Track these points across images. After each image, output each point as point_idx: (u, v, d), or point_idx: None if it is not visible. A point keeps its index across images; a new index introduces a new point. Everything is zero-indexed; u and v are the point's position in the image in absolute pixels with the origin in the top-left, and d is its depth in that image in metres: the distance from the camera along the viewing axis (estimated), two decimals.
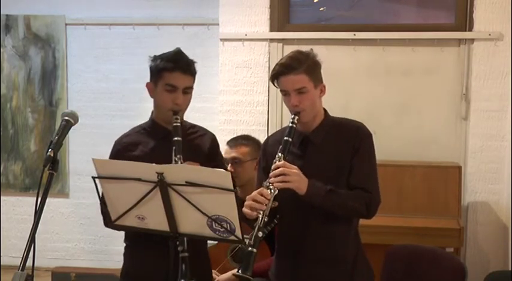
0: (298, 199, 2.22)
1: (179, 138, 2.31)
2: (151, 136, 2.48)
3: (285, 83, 2.27)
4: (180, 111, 2.42)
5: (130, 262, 2.54)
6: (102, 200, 2.08)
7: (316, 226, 2.29)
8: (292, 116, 2.27)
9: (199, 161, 2.30)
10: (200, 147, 2.52)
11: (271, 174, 2.17)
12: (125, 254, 2.56)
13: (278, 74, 2.27)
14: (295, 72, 2.24)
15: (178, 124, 2.35)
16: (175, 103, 2.39)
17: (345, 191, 2.23)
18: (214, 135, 2.64)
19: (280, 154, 2.22)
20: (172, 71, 2.38)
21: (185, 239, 2.17)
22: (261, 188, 2.17)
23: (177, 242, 2.17)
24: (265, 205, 2.12)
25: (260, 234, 2.09)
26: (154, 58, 2.44)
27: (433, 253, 3.01)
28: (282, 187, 2.14)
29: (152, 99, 2.51)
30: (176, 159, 2.27)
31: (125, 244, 2.56)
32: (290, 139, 2.25)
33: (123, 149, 2.46)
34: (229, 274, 2.96)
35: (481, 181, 4.28)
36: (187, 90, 2.42)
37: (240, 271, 2.06)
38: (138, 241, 2.42)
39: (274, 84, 2.32)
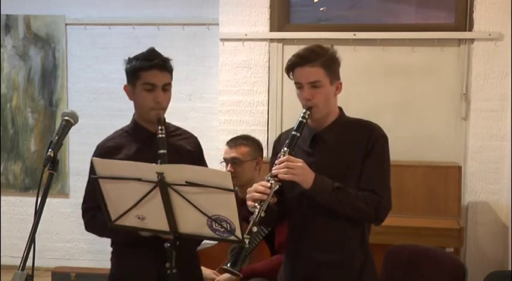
0: (304, 200, 2.19)
1: (164, 151, 2.27)
2: (134, 139, 2.46)
3: (300, 75, 2.20)
4: (162, 110, 2.39)
5: (117, 265, 2.53)
6: (102, 201, 2.07)
7: (321, 229, 2.23)
8: (304, 111, 2.20)
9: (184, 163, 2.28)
10: (185, 150, 2.48)
11: (274, 168, 2.12)
12: (111, 259, 2.55)
13: (294, 65, 2.20)
14: (311, 64, 2.17)
15: (163, 136, 2.31)
16: (157, 101, 2.36)
17: (354, 191, 2.16)
18: (197, 138, 2.61)
19: (285, 149, 2.16)
20: (149, 70, 2.35)
21: (173, 254, 2.15)
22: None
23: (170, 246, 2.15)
24: (265, 197, 2.08)
25: (255, 229, 2.06)
26: (129, 60, 2.41)
27: (433, 253, 3.01)
28: (286, 178, 2.09)
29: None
30: None
31: (111, 249, 2.55)
32: (298, 134, 2.18)
33: (105, 154, 2.41)
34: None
35: (481, 181, 4.29)
36: (167, 87, 2.39)
37: (228, 265, 2.04)
38: (124, 244, 2.43)
39: (289, 76, 2.25)
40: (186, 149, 2.49)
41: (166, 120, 2.46)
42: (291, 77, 2.25)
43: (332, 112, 2.29)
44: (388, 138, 2.28)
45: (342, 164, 2.22)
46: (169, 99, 2.42)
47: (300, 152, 2.23)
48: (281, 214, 2.33)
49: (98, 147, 2.50)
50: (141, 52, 2.42)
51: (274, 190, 2.10)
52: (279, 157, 2.15)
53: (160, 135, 2.30)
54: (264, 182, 2.12)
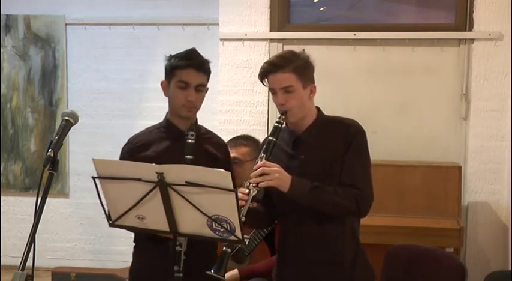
0: (288, 201, 2.22)
1: (191, 157, 2.29)
2: (164, 136, 2.49)
3: (272, 81, 2.26)
4: (194, 109, 2.44)
5: (138, 261, 2.55)
6: (101, 201, 2.07)
7: (309, 227, 2.28)
8: (279, 116, 2.27)
9: None
10: (212, 153, 2.51)
11: (251, 174, 2.17)
12: (133, 254, 2.58)
13: (266, 72, 2.27)
14: (282, 70, 2.23)
15: (193, 142, 2.33)
16: (188, 100, 2.39)
17: (333, 187, 2.21)
18: (226, 144, 2.66)
19: (262, 154, 2.22)
20: (185, 68, 2.39)
21: (182, 258, 2.16)
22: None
23: (177, 242, 2.16)
24: (243, 203, 2.12)
25: None
26: (170, 57, 2.45)
27: (433, 253, 3.01)
28: (263, 185, 2.14)
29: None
30: None
31: (134, 244, 2.58)
32: (274, 139, 2.24)
33: (136, 148, 2.47)
34: (231, 272, 2.96)
35: (481, 181, 4.28)
36: (200, 88, 2.42)
37: (212, 271, 2.07)
38: (146, 240, 2.43)
39: (263, 82, 2.32)
40: (214, 154, 2.51)
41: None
42: (264, 83, 2.31)
43: (309, 114, 2.33)
44: (365, 133, 2.32)
45: (324, 164, 2.27)
46: (202, 100, 2.46)
47: (284, 155, 2.29)
48: (272, 215, 2.39)
49: (128, 142, 2.53)
50: (182, 51, 2.46)
51: (252, 195, 2.14)
52: (256, 163, 2.20)
53: (189, 141, 2.33)
54: (242, 189, 2.16)
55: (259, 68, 2.14)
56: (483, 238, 4.29)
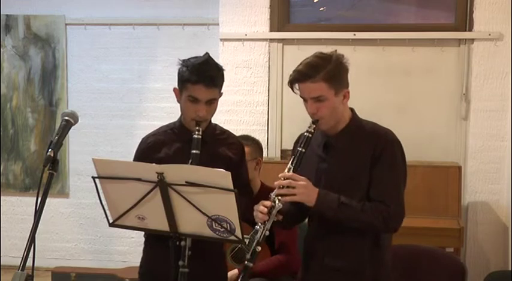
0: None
1: (197, 152, 2.28)
2: (177, 138, 2.47)
3: (302, 91, 2.17)
4: (204, 122, 2.40)
5: (148, 256, 2.55)
6: (101, 201, 2.07)
7: (332, 234, 2.23)
8: (309, 125, 2.19)
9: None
10: (224, 155, 2.48)
11: (277, 187, 2.13)
12: (144, 249, 2.58)
13: (295, 81, 2.18)
14: (312, 80, 2.13)
15: (199, 137, 2.31)
16: (198, 115, 2.35)
17: (361, 204, 2.15)
18: (242, 144, 2.62)
19: (290, 165, 2.16)
20: (196, 84, 2.33)
21: (187, 253, 2.17)
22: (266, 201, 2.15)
23: (179, 243, 2.16)
24: (267, 218, 2.11)
25: (259, 248, 2.09)
26: (183, 63, 2.38)
27: (433, 253, 3.01)
28: (288, 200, 2.11)
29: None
30: None
31: (144, 239, 2.58)
32: (303, 150, 2.17)
33: (147, 149, 2.46)
34: (232, 272, 2.95)
35: (481, 181, 4.29)
36: (212, 101, 2.38)
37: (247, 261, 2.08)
38: (156, 236, 2.41)
39: (293, 90, 2.22)
40: (227, 156, 2.48)
41: (213, 122, 2.52)
42: (295, 90, 2.21)
43: (342, 119, 2.26)
44: (399, 143, 2.26)
45: (352, 171, 2.21)
46: (213, 112, 2.43)
47: (314, 157, 2.25)
48: (303, 214, 2.36)
49: (141, 141, 2.53)
50: (196, 58, 2.39)
51: (278, 209, 2.12)
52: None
53: (196, 136, 2.31)
54: (267, 202, 2.13)
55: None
56: (483, 238, 4.29)
